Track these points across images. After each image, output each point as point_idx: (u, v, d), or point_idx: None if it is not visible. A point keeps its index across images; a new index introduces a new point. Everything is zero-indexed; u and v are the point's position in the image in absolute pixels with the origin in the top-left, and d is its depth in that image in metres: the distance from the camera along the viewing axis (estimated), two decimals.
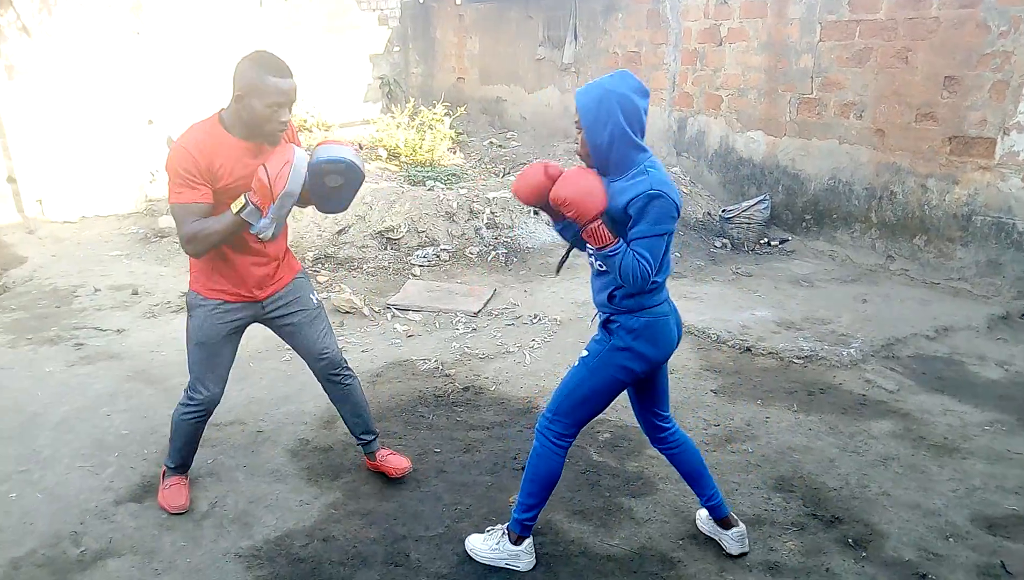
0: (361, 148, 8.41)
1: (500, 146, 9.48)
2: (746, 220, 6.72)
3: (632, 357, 2.47)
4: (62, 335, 4.82)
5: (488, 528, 2.84)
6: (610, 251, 2.32)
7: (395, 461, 3.24)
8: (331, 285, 5.71)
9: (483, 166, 8.68)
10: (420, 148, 8.42)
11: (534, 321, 5.07)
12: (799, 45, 6.59)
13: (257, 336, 4.73)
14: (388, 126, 8.91)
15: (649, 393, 2.70)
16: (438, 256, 6.26)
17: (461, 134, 9.67)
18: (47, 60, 7.65)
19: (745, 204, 6.80)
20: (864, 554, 2.80)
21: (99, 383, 4.13)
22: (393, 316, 5.19)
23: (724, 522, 2.79)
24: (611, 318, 2.50)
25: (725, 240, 6.83)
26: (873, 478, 3.28)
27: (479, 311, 5.23)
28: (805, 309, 5.26)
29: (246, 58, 2.59)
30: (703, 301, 5.43)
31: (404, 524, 2.94)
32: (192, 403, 2.93)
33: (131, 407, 3.84)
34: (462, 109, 9.97)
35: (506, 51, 10.38)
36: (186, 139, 2.60)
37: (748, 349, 4.60)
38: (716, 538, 2.83)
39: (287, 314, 2.95)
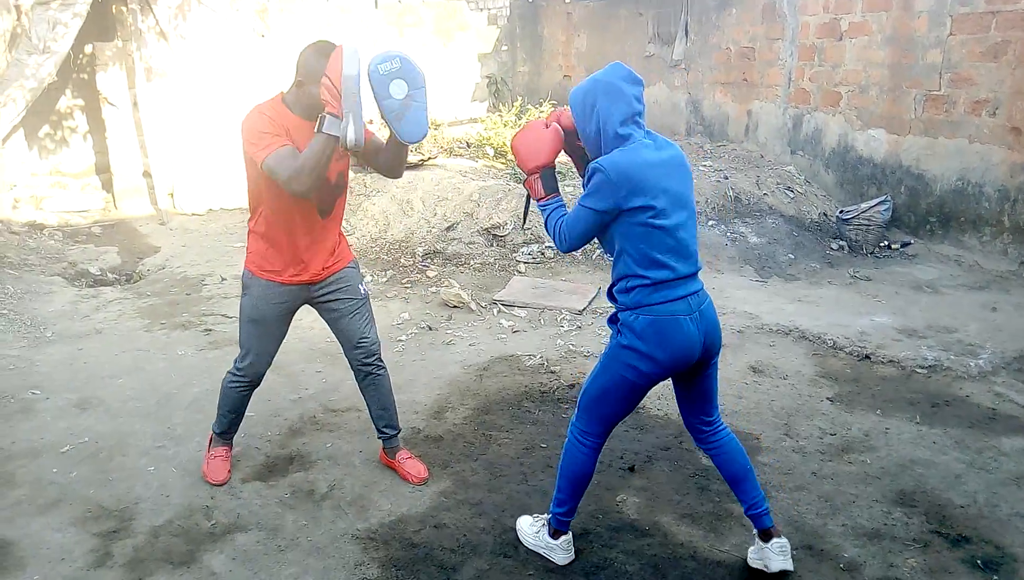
0: (469, 146, 8.55)
1: None
2: (865, 222, 6.44)
3: (638, 357, 2.38)
4: (192, 321, 5.14)
5: (536, 514, 2.86)
6: (541, 204, 2.50)
7: (413, 467, 3.26)
8: (439, 280, 5.84)
9: None
10: None
11: None
12: (927, 39, 6.27)
13: None
14: (495, 124, 9.02)
15: (690, 395, 2.60)
16: (543, 253, 6.30)
17: None
18: (180, 62, 8.16)
19: (864, 205, 6.52)
20: (995, 577, 2.65)
21: (226, 367, 4.34)
22: (499, 311, 5.27)
23: (766, 534, 2.59)
24: (616, 314, 2.48)
25: (842, 242, 6.57)
26: (1004, 497, 3.09)
27: (584, 309, 5.23)
28: (929, 316, 5.01)
29: (309, 46, 2.72)
30: (818, 305, 5.25)
31: (512, 516, 2.98)
32: (239, 374, 3.15)
33: (255, 391, 4.04)
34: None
35: (614, 48, 10.31)
36: (259, 108, 2.75)
37: (867, 356, 4.42)
38: (759, 562, 2.63)
39: (334, 300, 3.06)
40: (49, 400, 3.96)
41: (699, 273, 2.48)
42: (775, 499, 3.09)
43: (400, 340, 4.74)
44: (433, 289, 5.65)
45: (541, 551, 2.74)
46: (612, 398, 2.49)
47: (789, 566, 2.57)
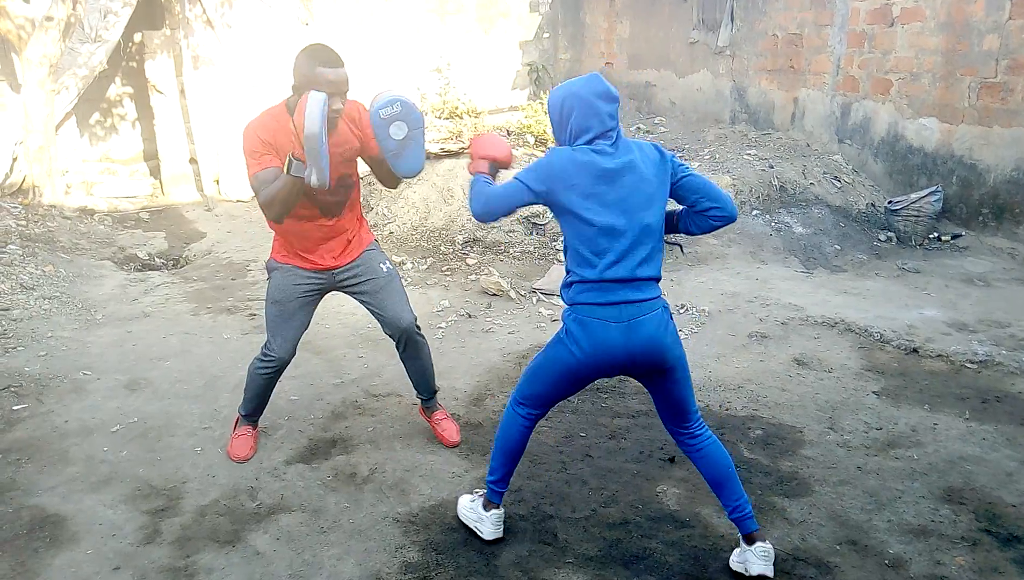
0: (509, 134, 8.54)
1: (648, 132, 9.34)
2: (915, 213, 6.29)
3: (571, 342, 2.45)
4: (237, 305, 5.23)
5: (477, 490, 2.94)
6: (475, 177, 2.59)
7: (447, 428, 3.44)
8: (479, 268, 5.86)
9: None
10: None
11: (681, 311, 4.98)
12: (983, 25, 6.07)
13: None
14: (536, 113, 8.96)
15: (661, 404, 2.60)
16: None
17: None
18: (227, 50, 8.27)
19: (914, 195, 6.37)
20: None
21: None
22: (538, 300, 5.26)
23: (749, 537, 2.54)
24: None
25: (890, 233, 6.43)
26: None
27: None
28: (980, 310, 4.87)
29: (302, 51, 2.79)
30: (865, 297, 5.15)
31: (551, 504, 2.99)
32: (265, 359, 3.22)
33: (299, 375, 4.11)
34: None
35: (657, 35, 10.20)
36: (253, 123, 2.90)
37: (915, 350, 4.32)
38: (740, 565, 2.56)
39: (358, 282, 3.17)
40: (100, 381, 4.06)
41: (647, 285, 2.41)
42: (819, 494, 3.05)
43: (440, 327, 4.77)
44: (473, 277, 5.67)
45: (471, 523, 2.81)
46: (547, 374, 2.57)
47: (770, 572, 2.52)
